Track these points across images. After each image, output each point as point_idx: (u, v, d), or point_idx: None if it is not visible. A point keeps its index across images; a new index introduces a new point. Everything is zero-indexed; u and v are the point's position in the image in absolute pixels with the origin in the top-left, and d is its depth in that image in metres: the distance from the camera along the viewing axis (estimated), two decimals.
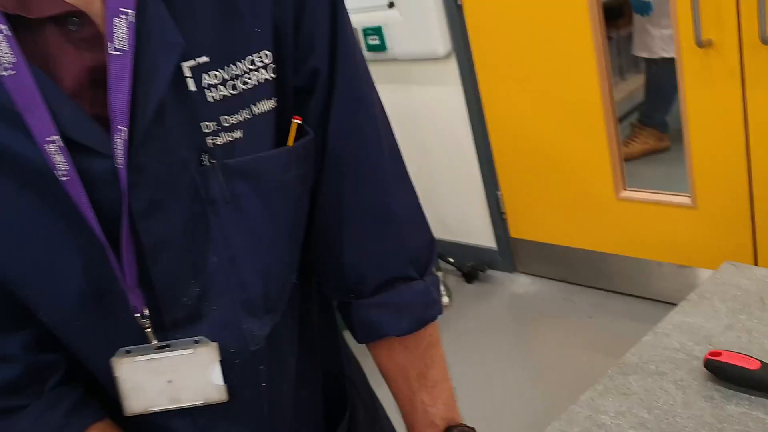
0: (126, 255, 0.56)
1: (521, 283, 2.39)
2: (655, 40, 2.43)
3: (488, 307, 2.33)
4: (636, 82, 2.81)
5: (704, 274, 1.93)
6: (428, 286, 0.69)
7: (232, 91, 0.57)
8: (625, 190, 2.02)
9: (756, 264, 1.81)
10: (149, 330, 0.60)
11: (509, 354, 2.10)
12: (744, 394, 0.74)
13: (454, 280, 2.51)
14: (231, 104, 0.57)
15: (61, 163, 0.52)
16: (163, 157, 0.55)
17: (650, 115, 2.66)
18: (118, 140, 0.52)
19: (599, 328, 2.08)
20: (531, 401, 1.89)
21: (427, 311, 0.70)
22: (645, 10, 2.42)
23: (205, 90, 0.56)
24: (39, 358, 0.62)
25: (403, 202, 0.69)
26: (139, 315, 0.59)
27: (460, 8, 2.04)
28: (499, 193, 2.31)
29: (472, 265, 2.45)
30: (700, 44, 1.62)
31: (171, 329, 0.60)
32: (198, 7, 0.55)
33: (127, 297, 0.58)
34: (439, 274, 2.40)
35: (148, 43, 0.52)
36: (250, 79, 0.58)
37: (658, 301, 2.07)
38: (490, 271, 2.46)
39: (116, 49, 0.51)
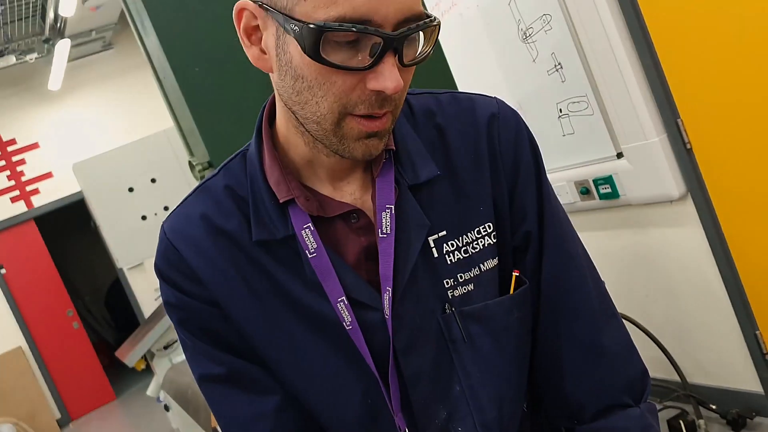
0: (392, 385, 0.74)
1: None
2: None
3: None
4: None
5: None
6: (644, 412, 0.77)
7: (465, 255, 0.75)
8: None
9: None
10: None
11: None
12: None
13: (719, 429, 2.34)
14: (464, 264, 0.75)
15: (347, 317, 0.73)
16: (417, 308, 0.74)
17: None
18: (386, 297, 0.72)
19: None
20: None
21: None
22: None
23: (445, 255, 0.75)
24: None
25: (614, 336, 0.80)
26: None
27: (690, 151, 2.09)
28: (758, 332, 2.18)
29: (738, 411, 2.28)
30: None
31: None
32: (437, 196, 0.75)
33: (393, 419, 0.75)
34: (701, 422, 2.27)
35: (404, 227, 0.73)
36: (477, 244, 0.76)
37: None
38: (758, 418, 2.27)
39: (383, 233, 0.72)
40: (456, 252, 0.74)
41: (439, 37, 0.70)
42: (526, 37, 2.31)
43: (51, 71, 6.42)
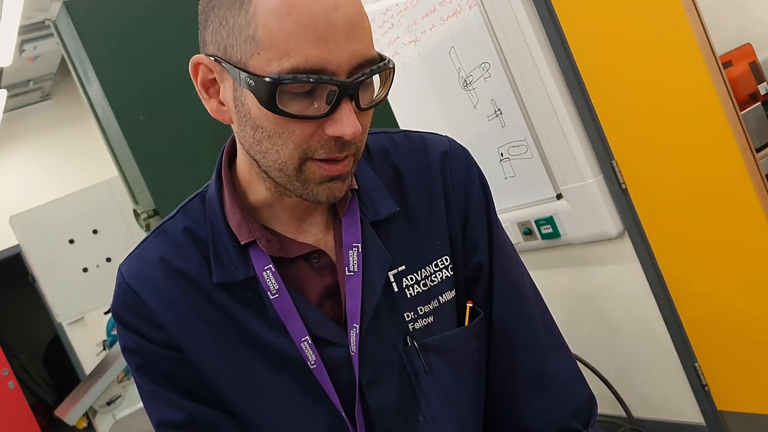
0: (359, 420, 0.75)
1: None
2: None
3: None
4: None
5: None
6: None
7: (424, 288, 0.78)
8: None
9: None
10: None
11: None
12: None
13: None
14: (423, 297, 0.78)
15: (311, 356, 0.74)
16: (380, 342, 0.76)
17: None
18: (352, 334, 0.74)
19: None
20: None
21: None
22: None
23: (405, 289, 0.77)
24: None
25: (561, 364, 0.83)
26: None
27: (625, 191, 2.18)
28: (697, 364, 2.26)
29: None
30: None
31: None
32: (395, 232, 0.78)
33: None
34: None
35: (368, 264, 0.75)
36: (435, 277, 0.79)
37: None
38: None
39: (350, 271, 0.74)
40: (415, 285, 0.76)
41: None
42: (467, 84, 2.39)
43: None
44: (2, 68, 5.53)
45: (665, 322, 2.27)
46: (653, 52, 1.91)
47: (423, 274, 0.78)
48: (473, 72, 2.34)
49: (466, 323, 0.79)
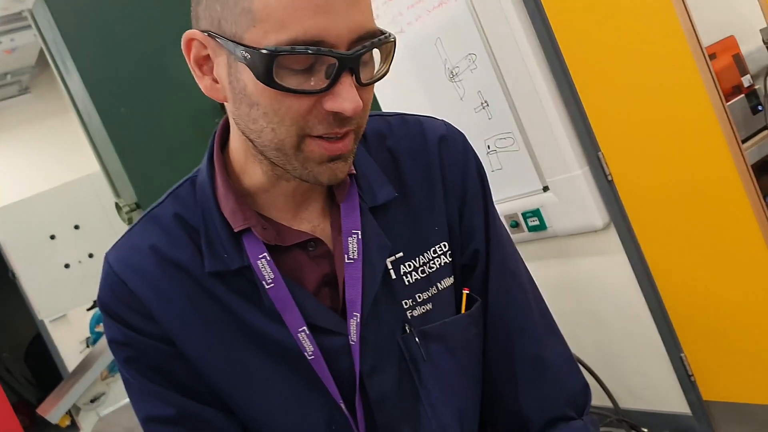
0: (358, 409, 0.74)
1: None
2: None
3: None
4: None
5: None
6: (587, 425, 0.79)
7: (422, 275, 0.76)
8: None
9: None
10: None
11: None
12: None
13: None
14: (422, 284, 0.76)
15: (308, 346, 0.72)
16: (379, 330, 0.75)
17: None
18: (352, 323, 0.72)
19: None
20: None
21: None
22: None
23: (403, 276, 0.76)
24: None
25: (555, 351, 0.82)
26: None
27: (611, 183, 2.18)
28: (683, 355, 2.27)
29: None
30: None
31: None
32: (393, 218, 0.76)
33: None
34: None
35: (368, 251, 0.73)
36: (434, 264, 0.77)
37: None
38: None
39: (350, 258, 0.73)
40: (413, 272, 0.75)
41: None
42: (453, 75, 2.38)
43: None
44: None
45: (651, 314, 2.27)
46: (640, 44, 1.91)
47: (421, 261, 0.76)
48: (459, 63, 2.33)
49: (463, 310, 0.78)
